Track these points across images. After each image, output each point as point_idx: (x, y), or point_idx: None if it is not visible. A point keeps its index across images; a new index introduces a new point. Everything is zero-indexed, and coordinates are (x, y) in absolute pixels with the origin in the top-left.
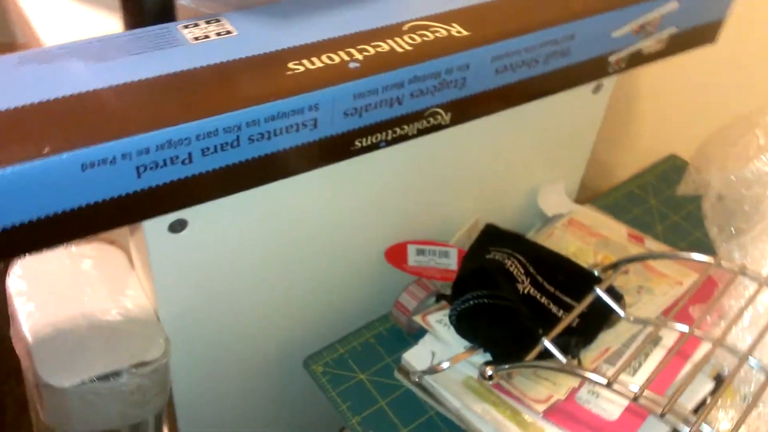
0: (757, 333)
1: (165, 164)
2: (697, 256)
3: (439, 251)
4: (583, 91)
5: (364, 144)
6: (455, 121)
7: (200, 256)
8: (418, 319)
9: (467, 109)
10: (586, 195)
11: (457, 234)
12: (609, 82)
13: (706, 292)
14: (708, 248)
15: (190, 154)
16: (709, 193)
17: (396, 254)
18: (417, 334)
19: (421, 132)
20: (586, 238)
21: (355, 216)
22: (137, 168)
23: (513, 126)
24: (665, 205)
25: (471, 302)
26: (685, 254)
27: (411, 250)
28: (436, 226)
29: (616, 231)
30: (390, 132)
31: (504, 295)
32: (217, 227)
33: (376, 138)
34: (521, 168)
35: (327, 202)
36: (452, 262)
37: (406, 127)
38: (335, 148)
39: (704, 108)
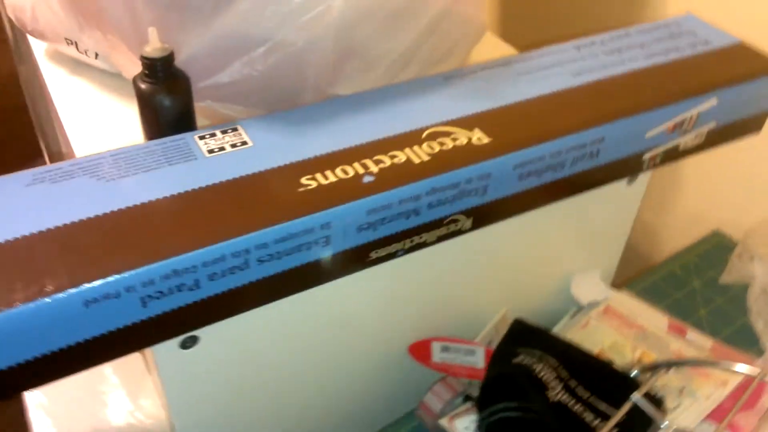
0: None
1: (171, 292)
2: (741, 367)
3: (465, 349)
4: (618, 183)
5: (380, 254)
6: (477, 226)
7: (214, 369)
8: (444, 422)
9: (489, 214)
10: (623, 269)
11: (484, 330)
12: (645, 174)
13: (751, 394)
14: (755, 339)
15: (196, 281)
16: (754, 285)
17: (420, 350)
18: None
19: (441, 238)
20: (623, 329)
21: (377, 313)
22: (142, 299)
23: (544, 218)
24: (709, 287)
25: (498, 415)
26: (729, 364)
27: (435, 347)
28: (463, 319)
29: (655, 322)
30: (407, 241)
31: (533, 407)
32: (229, 339)
33: (393, 248)
34: (553, 260)
35: (347, 300)
36: (479, 360)
37: (424, 235)
38: (349, 261)
39: (755, 182)
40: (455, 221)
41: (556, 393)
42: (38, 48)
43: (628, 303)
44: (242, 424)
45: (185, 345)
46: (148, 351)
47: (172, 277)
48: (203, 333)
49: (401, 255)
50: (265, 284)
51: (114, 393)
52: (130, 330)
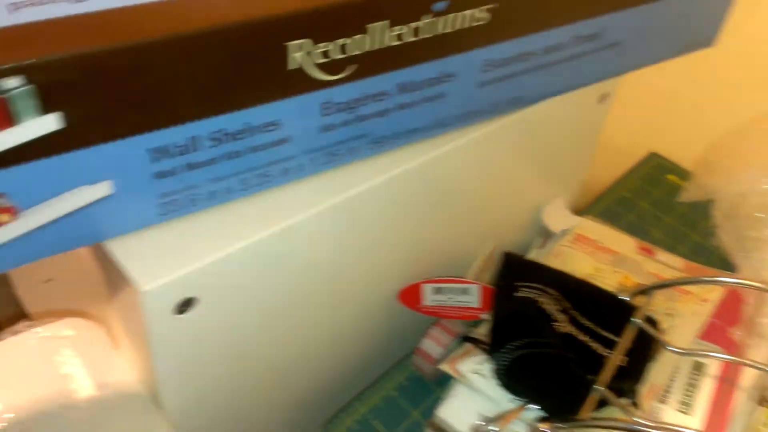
0: None
1: None
2: (729, 279)
3: (458, 288)
4: (587, 100)
5: None
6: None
7: (206, 331)
8: (446, 367)
9: None
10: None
11: (473, 267)
12: (613, 89)
13: (732, 307)
14: (709, 253)
15: None
16: (720, 200)
17: (410, 295)
18: (441, 380)
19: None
20: (598, 254)
21: (361, 262)
22: None
23: (512, 142)
24: (657, 207)
25: (516, 353)
26: (717, 278)
27: (427, 289)
28: (442, 261)
29: (625, 244)
30: None
31: (548, 341)
32: (225, 298)
33: None
34: (522, 189)
35: (330, 251)
36: (473, 299)
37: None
38: None
39: (684, 102)
40: None
41: (561, 325)
42: None
43: (594, 228)
44: (233, 388)
45: (181, 309)
46: (127, 319)
47: None
48: (202, 295)
49: None
50: None
51: (76, 370)
52: None
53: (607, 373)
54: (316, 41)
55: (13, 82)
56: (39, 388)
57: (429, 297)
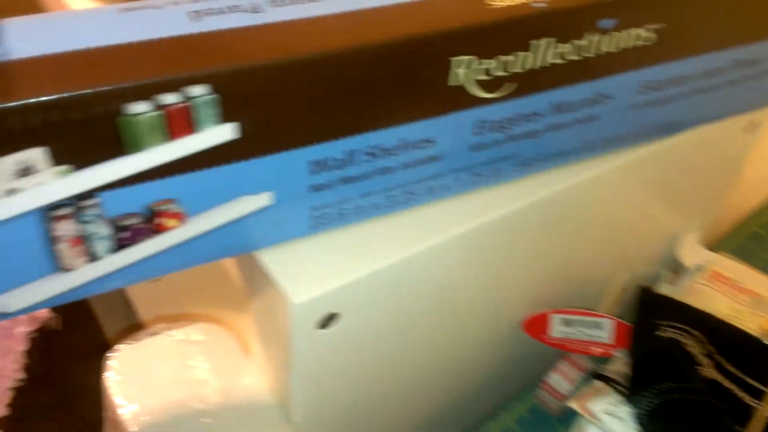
0: None
1: None
2: None
3: (589, 322)
4: (733, 130)
5: None
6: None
7: (343, 347)
8: (575, 405)
9: None
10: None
11: (604, 300)
12: (765, 118)
13: None
14: None
15: None
16: None
17: (536, 325)
18: (566, 417)
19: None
20: (736, 295)
21: (492, 285)
22: None
23: (653, 171)
24: None
25: (662, 398)
26: None
27: (555, 320)
28: (571, 291)
29: (764, 285)
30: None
31: (695, 387)
32: (365, 315)
33: None
34: (658, 216)
35: (466, 273)
36: (605, 335)
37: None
38: None
39: None
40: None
41: (706, 370)
42: None
43: (732, 266)
44: (356, 407)
45: (324, 324)
46: (272, 330)
47: None
48: (345, 310)
49: None
50: None
51: (208, 376)
52: None
53: (756, 425)
54: (481, 57)
55: (198, 90)
56: (173, 391)
57: (556, 328)
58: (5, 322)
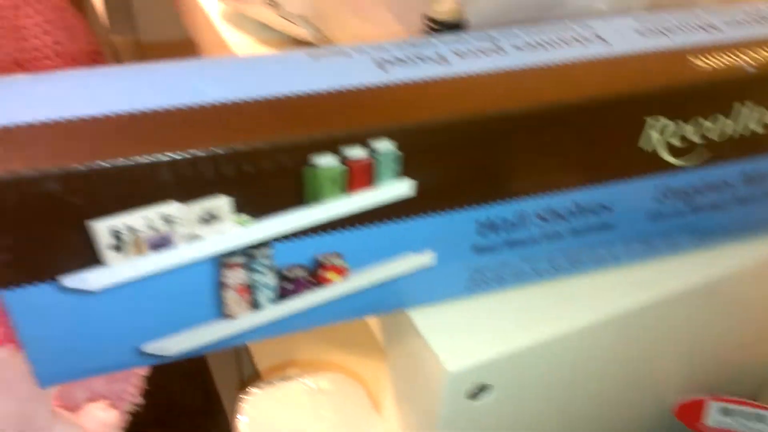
0: None
1: None
2: None
3: (752, 414)
4: None
5: None
6: None
7: (488, 420)
8: None
9: None
10: None
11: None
12: None
13: None
14: None
15: None
16: None
17: (690, 411)
18: None
19: None
20: None
21: (650, 367)
22: None
23: None
24: None
25: None
26: None
27: (712, 408)
28: (731, 376)
29: None
30: None
31: None
32: (515, 389)
33: None
34: None
35: (623, 351)
36: None
37: None
38: None
39: None
40: None
41: None
42: (211, 9)
43: None
44: None
45: (474, 395)
46: (417, 395)
47: None
48: (497, 382)
49: None
50: None
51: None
52: None
53: None
54: (678, 120)
55: (385, 146)
56: None
57: (713, 417)
58: None
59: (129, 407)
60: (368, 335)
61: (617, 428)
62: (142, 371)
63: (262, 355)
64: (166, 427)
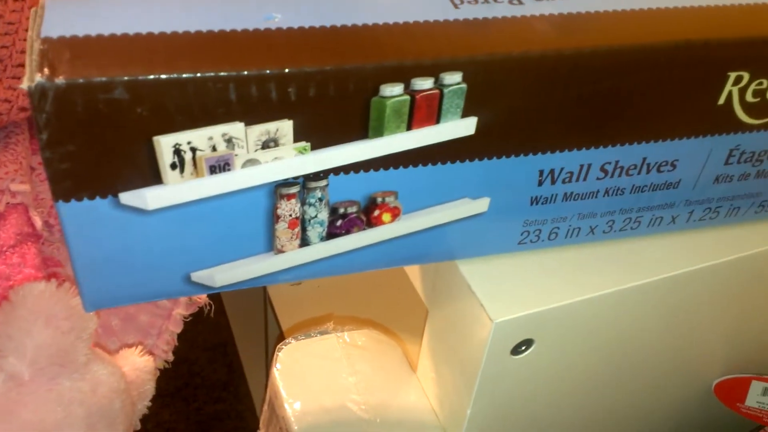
0: None
1: None
2: None
3: None
4: None
5: None
6: None
7: (528, 375)
8: None
9: None
10: None
11: None
12: None
13: None
14: None
15: None
16: None
17: (730, 390)
18: None
19: None
20: None
21: (692, 336)
22: None
23: None
24: None
25: None
26: None
27: (755, 387)
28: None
29: None
30: None
31: None
32: (556, 345)
33: None
34: None
35: (666, 319)
36: None
37: None
38: None
39: None
40: None
41: None
42: None
43: None
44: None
45: (517, 349)
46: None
47: None
48: (539, 337)
49: None
50: None
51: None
52: None
53: None
54: (759, 78)
55: (453, 78)
56: (337, 396)
57: (754, 397)
58: (166, 302)
59: (160, 363)
60: (405, 297)
61: (652, 400)
62: (176, 328)
63: (291, 324)
64: (188, 400)
